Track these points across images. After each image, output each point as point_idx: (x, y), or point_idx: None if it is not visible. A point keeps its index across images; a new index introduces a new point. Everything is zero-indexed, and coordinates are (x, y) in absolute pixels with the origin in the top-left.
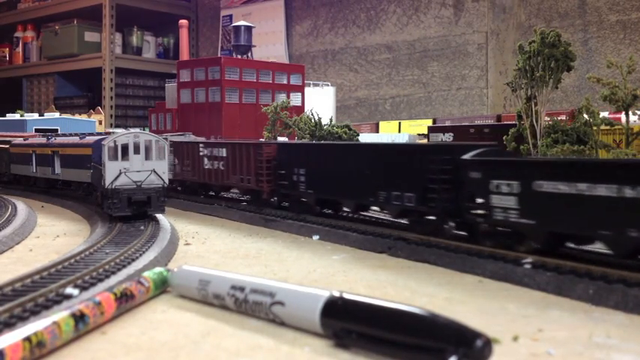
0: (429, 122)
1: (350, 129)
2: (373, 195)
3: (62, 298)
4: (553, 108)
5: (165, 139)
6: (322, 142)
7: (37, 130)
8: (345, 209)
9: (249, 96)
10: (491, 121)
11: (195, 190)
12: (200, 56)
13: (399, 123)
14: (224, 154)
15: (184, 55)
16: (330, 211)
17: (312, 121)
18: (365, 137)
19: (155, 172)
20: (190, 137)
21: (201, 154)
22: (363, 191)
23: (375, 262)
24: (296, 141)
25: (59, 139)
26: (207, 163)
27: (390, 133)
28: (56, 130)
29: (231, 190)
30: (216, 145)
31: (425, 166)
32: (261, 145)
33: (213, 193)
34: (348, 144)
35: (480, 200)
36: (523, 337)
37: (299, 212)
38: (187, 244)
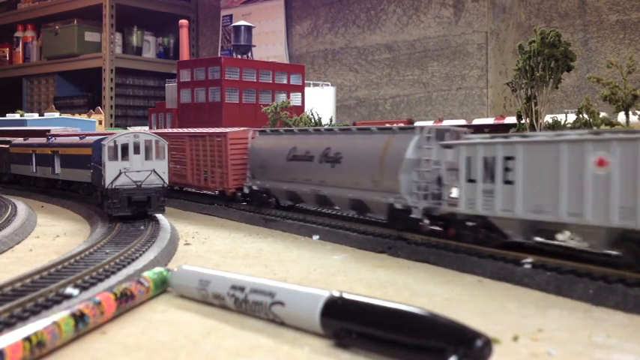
0: None
1: None
2: None
3: (62, 298)
4: (553, 108)
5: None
6: None
7: None
8: None
9: (249, 96)
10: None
11: None
12: (200, 56)
13: None
14: None
15: (184, 55)
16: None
17: (312, 120)
18: None
19: (155, 172)
20: None
21: None
22: None
23: (375, 262)
24: None
25: (59, 139)
26: None
27: None
28: None
29: None
30: None
31: None
32: None
33: None
34: None
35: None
36: (523, 337)
37: None
38: (187, 244)
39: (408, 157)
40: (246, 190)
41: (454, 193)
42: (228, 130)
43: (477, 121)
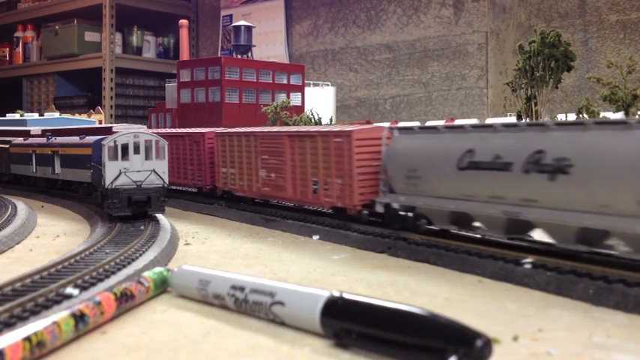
0: None
1: None
2: None
3: (62, 298)
4: (553, 108)
5: None
6: None
7: None
8: None
9: (249, 96)
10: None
11: None
12: (200, 56)
13: None
14: None
15: (184, 55)
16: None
17: (312, 120)
18: None
19: (155, 172)
20: None
21: None
22: None
23: (375, 262)
24: None
25: (59, 139)
26: None
27: None
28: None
29: None
30: None
31: None
32: None
33: None
34: None
35: None
36: (523, 337)
37: None
38: (187, 244)
39: None
40: (379, 209)
41: None
42: (352, 127)
43: (429, 123)
